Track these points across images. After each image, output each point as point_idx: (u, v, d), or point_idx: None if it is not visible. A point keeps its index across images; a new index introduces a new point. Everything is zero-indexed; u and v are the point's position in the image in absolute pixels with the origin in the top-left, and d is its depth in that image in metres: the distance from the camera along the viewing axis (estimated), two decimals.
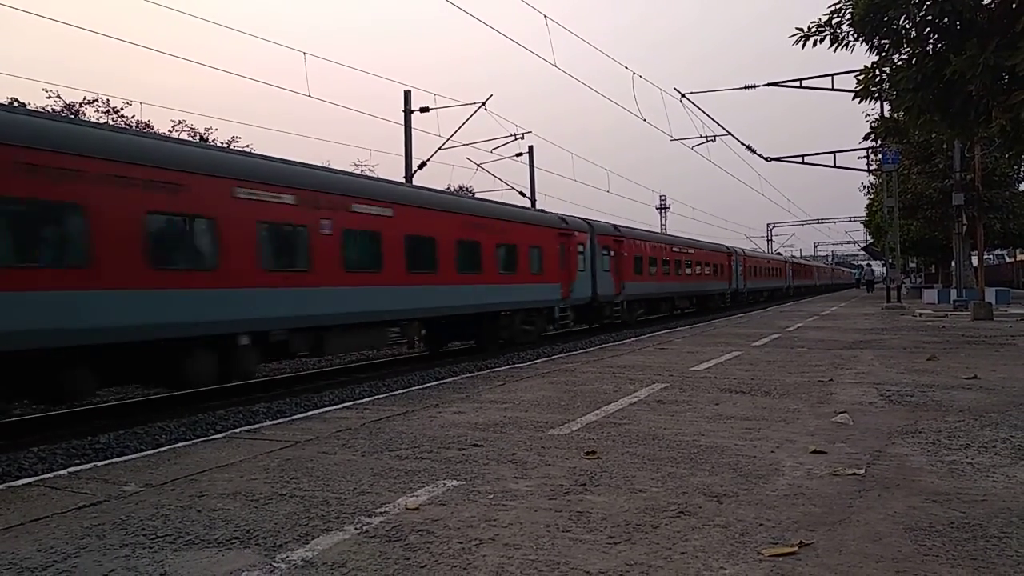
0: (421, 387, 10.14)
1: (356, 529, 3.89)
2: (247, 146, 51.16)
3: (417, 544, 3.64)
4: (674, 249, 33.43)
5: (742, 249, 47.89)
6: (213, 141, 48.87)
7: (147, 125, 46.46)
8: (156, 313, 10.03)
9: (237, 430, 7.46)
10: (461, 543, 3.64)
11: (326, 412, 7.99)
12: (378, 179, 18.46)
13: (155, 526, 4.04)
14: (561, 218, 23.80)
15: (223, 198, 11.16)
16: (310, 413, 8.11)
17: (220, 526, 4.00)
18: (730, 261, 42.46)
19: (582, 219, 25.73)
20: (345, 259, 13.61)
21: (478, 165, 29.81)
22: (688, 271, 34.99)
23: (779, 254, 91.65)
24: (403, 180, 23.07)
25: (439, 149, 25.20)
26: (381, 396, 9.40)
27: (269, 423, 7.72)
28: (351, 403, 8.83)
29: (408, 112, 23.95)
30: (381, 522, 3.99)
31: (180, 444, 6.64)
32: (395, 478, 4.89)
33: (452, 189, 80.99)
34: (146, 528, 4.01)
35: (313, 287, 12.86)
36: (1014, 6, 9.09)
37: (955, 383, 8.55)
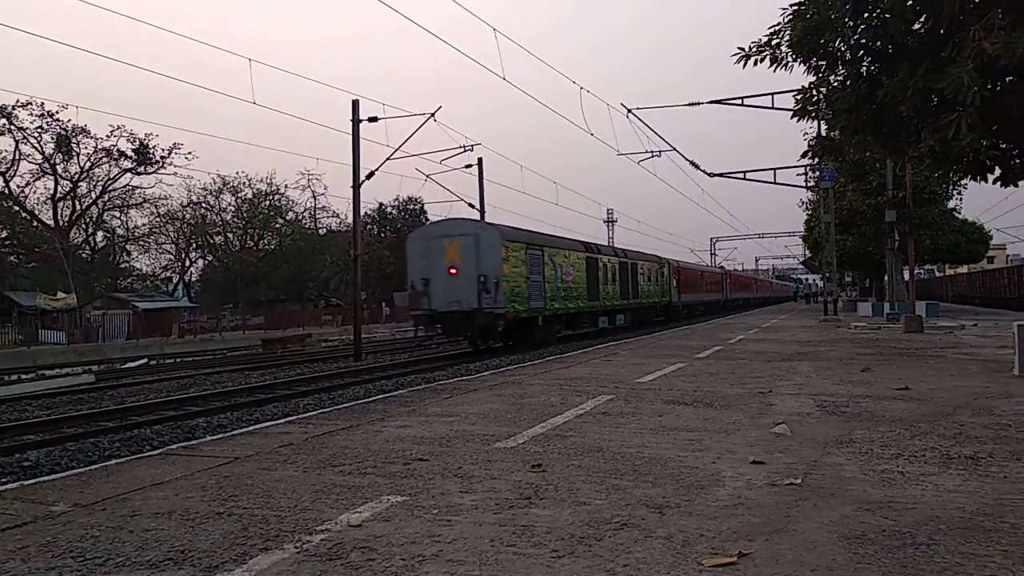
0: (367, 400, 10.01)
1: (296, 548, 3.80)
2: (189, 152, 50.02)
3: (359, 562, 3.58)
4: (684, 268, 46.46)
5: (679, 262, 47.57)
6: (154, 148, 47.70)
7: (83, 129, 45.08)
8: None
9: (174, 446, 7.24)
10: (404, 560, 3.59)
11: (268, 427, 7.81)
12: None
13: (84, 548, 3.89)
14: (657, 257, 41.06)
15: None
16: (251, 428, 7.93)
17: (153, 547, 3.87)
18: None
19: (656, 256, 41.71)
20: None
21: (427, 176, 29.91)
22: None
23: (721, 267, 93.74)
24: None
25: (387, 159, 25.03)
26: (325, 410, 9.24)
27: (208, 439, 7.52)
28: (294, 417, 8.67)
29: (356, 121, 23.76)
30: (322, 540, 3.91)
31: (113, 461, 6.41)
32: (337, 494, 4.81)
33: (402, 200, 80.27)
34: (74, 550, 3.85)
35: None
36: (942, 31, 9.51)
37: (888, 394, 8.83)
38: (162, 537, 4.02)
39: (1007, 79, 9.11)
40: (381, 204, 79.79)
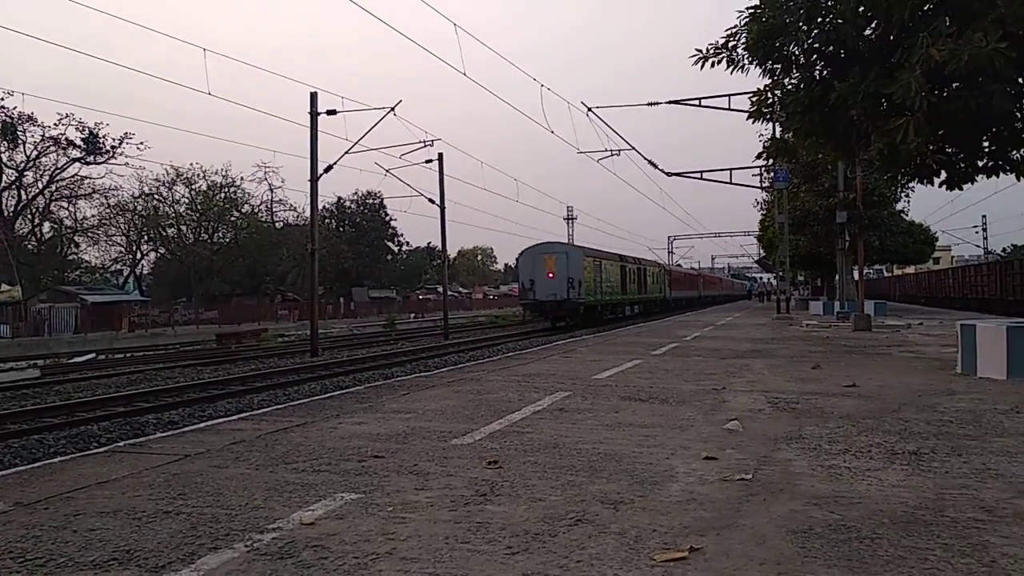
0: (322, 397, 9.92)
1: (246, 547, 3.74)
2: (141, 142, 48.78)
3: (311, 560, 3.54)
4: (674, 272, 59.61)
5: (669, 265, 65.36)
6: (104, 137, 46.40)
7: (30, 118, 43.64)
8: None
9: (122, 443, 7.07)
10: (357, 558, 3.56)
11: (220, 424, 7.68)
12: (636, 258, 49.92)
13: (24, 548, 3.77)
14: (657, 263, 55.89)
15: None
16: (203, 425, 7.78)
17: (97, 547, 3.77)
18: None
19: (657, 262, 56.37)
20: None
21: (387, 171, 29.45)
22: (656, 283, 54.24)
23: (696, 269, 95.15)
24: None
25: (346, 153, 25.03)
26: (280, 407, 9.13)
27: (158, 436, 7.36)
28: (248, 414, 8.53)
29: (314, 114, 23.44)
30: (273, 538, 3.85)
31: (58, 459, 6.24)
32: (290, 492, 4.75)
33: (361, 195, 78.95)
34: (14, 551, 3.73)
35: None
36: (892, 38, 9.76)
37: (836, 391, 9.04)
38: (107, 537, 3.92)
39: (953, 85, 9.36)
40: (340, 198, 78.91)
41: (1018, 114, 10.58)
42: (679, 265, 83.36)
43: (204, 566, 3.49)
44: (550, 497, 4.54)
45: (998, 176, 11.44)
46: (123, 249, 59.14)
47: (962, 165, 11.39)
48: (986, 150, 11.25)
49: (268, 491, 4.78)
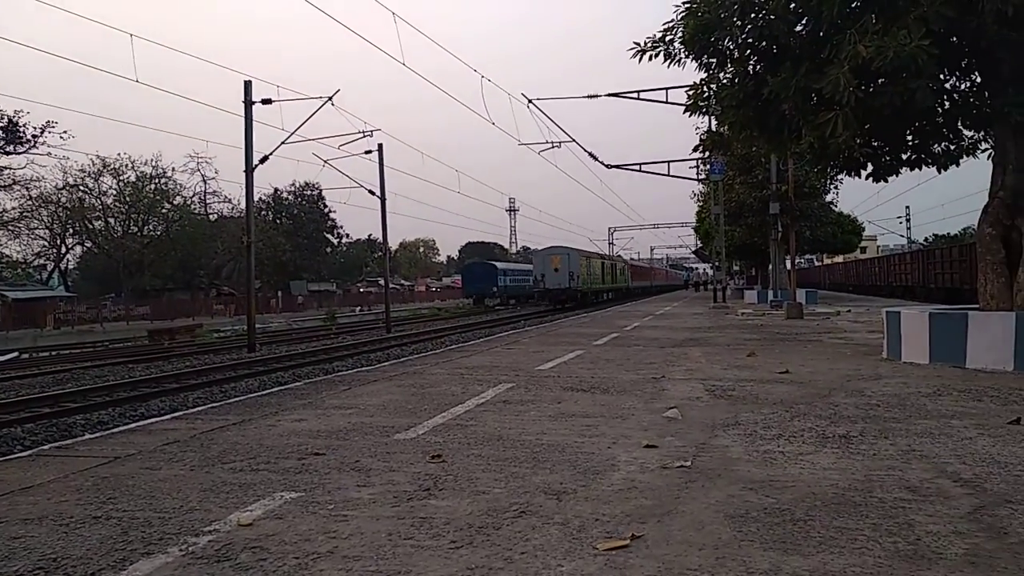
0: (260, 394, 9.69)
1: (181, 551, 3.63)
2: (65, 132, 46.68)
3: (249, 563, 3.46)
4: (633, 265, 74.02)
5: (631, 260, 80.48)
6: (24, 125, 44.19)
7: None
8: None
9: (47, 446, 6.78)
10: (297, 558, 3.50)
11: (152, 424, 7.43)
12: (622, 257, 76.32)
13: None
14: (621, 258, 73.73)
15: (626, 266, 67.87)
16: (134, 425, 7.52)
17: (21, 556, 3.60)
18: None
19: (621, 257, 73.98)
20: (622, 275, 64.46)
21: (325, 161, 28.92)
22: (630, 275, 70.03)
23: (649, 262, 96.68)
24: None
25: (283, 143, 24.12)
26: (216, 404, 8.88)
27: (86, 437, 7.08)
28: (181, 413, 8.28)
29: (248, 103, 22.84)
30: (210, 541, 3.75)
31: None
32: (227, 493, 4.63)
33: (298, 186, 77.15)
34: None
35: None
36: (822, 34, 10.04)
37: (770, 378, 9.31)
38: (31, 545, 3.75)
39: (879, 81, 9.68)
40: (276, 189, 77.01)
41: (939, 109, 11.04)
42: (634, 259, 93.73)
43: (136, 572, 3.38)
44: (494, 490, 4.54)
45: (921, 168, 11.96)
46: (47, 243, 56.61)
47: (887, 158, 11.84)
48: (910, 144, 11.72)
49: (204, 492, 4.65)
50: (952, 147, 11.92)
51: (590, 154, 29.44)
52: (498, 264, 69.15)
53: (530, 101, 26.52)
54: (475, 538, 3.70)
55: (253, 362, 19.02)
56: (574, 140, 29.58)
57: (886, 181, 12.23)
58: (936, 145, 11.83)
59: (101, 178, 55.72)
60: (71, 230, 56.65)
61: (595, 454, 5.45)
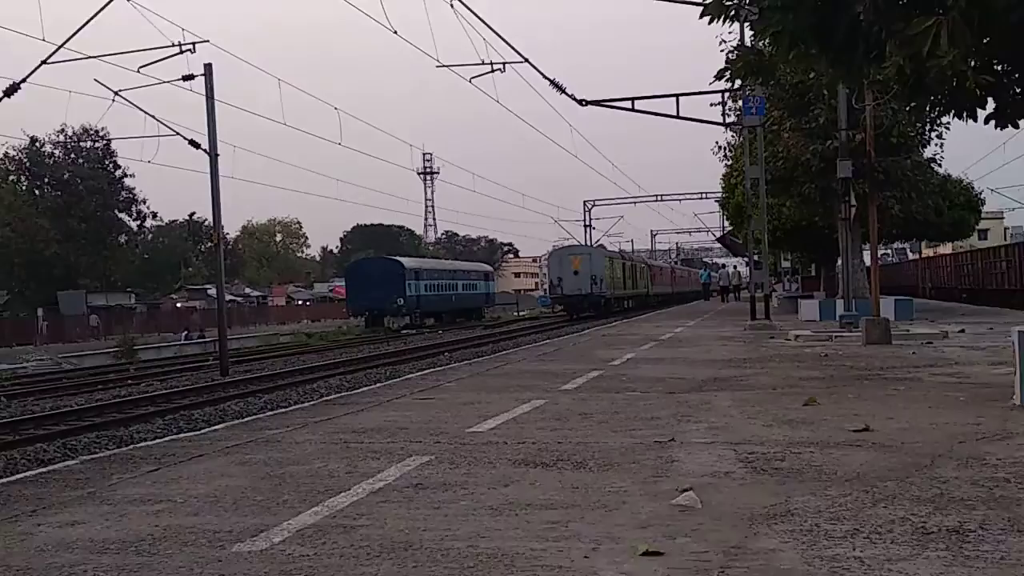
0: (5, 481, 6.47)
1: None
2: None
3: None
4: (652, 266, 62.65)
5: (650, 261, 69.58)
6: None
7: None
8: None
9: None
10: None
11: None
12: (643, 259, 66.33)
13: None
14: (643, 259, 63.75)
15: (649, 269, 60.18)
16: None
17: None
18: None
19: (643, 259, 64.62)
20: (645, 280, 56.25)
21: (116, 93, 18.66)
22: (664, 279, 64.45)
23: (670, 263, 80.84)
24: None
25: (44, 63, 16.46)
26: None
27: None
28: None
29: None
30: None
31: None
32: None
33: (72, 133, 51.48)
34: None
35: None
36: None
37: (840, 438, 6.50)
38: None
39: None
40: (35, 139, 51.63)
41: None
42: (650, 260, 72.95)
43: None
44: None
45: None
46: None
47: (1017, 89, 8.04)
48: None
49: None
50: None
51: (553, 83, 19.53)
52: (406, 262, 45.20)
53: None
54: None
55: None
56: (527, 60, 19.38)
57: (1016, 127, 8.18)
58: None
59: None
60: None
61: (565, 569, 3.40)
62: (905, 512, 4.14)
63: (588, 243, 54.20)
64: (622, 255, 52.61)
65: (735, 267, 65.92)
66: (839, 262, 25.83)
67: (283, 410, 10.96)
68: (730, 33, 20.88)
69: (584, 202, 61.10)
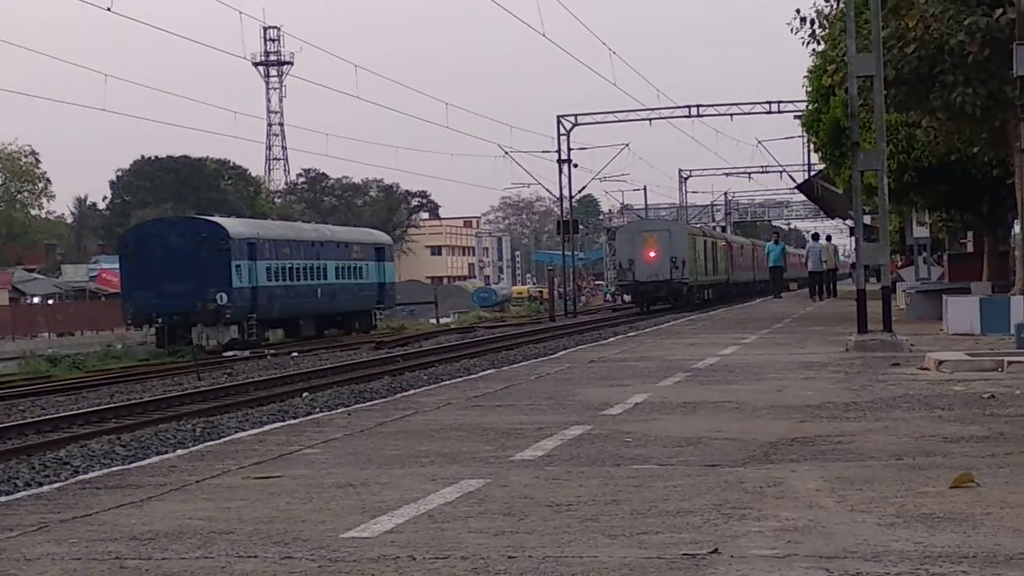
0: None
1: None
2: None
3: None
4: (740, 246, 49.76)
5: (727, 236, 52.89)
6: None
7: None
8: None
9: None
10: None
11: None
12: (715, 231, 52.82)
13: None
14: (724, 236, 50.38)
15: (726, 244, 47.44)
16: None
17: None
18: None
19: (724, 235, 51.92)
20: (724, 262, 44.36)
21: None
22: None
23: (752, 241, 54.58)
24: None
25: None
26: None
27: None
28: None
29: None
30: None
31: None
32: None
33: None
34: None
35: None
36: None
37: (1012, 548, 3.06)
38: None
39: None
40: None
41: None
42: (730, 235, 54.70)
43: None
44: None
45: None
46: None
47: None
48: None
49: None
50: None
51: None
52: (232, 226, 27.70)
53: None
54: None
55: None
56: None
57: None
58: None
59: None
60: None
61: None
62: None
63: (568, 191, 37.57)
64: (703, 231, 42.31)
65: (829, 239, 33.84)
66: (1016, 228, 16.97)
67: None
68: None
69: (558, 118, 37.49)
